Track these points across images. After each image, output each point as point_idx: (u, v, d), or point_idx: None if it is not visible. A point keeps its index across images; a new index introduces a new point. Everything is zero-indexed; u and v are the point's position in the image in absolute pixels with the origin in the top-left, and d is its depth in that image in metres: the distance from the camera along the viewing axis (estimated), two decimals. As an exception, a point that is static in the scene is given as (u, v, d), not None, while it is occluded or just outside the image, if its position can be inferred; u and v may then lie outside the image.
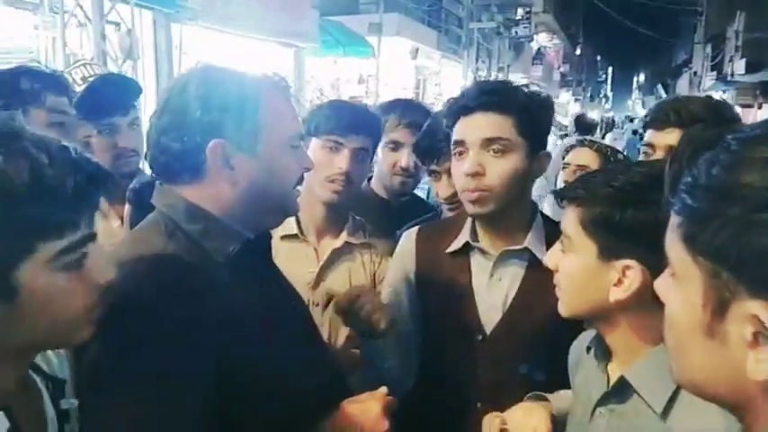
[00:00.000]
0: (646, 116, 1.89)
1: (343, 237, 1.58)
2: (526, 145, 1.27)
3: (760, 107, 14.09)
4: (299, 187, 1.10)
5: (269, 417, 0.90)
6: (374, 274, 1.59)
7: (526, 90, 1.32)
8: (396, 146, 1.88)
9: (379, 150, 1.90)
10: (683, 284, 0.52)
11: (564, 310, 1.03)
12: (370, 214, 1.72)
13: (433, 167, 1.69)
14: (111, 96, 1.74)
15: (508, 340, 1.31)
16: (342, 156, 1.50)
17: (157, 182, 1.03)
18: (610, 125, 17.54)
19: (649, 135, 1.71)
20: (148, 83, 5.22)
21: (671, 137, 1.60)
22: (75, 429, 0.84)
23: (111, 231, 1.77)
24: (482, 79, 1.71)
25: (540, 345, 1.29)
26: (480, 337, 1.32)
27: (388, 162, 1.90)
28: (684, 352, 0.54)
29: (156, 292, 0.85)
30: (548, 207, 2.51)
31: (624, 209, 0.89)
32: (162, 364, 0.81)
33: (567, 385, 1.25)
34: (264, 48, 9.02)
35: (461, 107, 1.30)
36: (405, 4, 14.22)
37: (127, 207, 1.60)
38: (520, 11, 20.15)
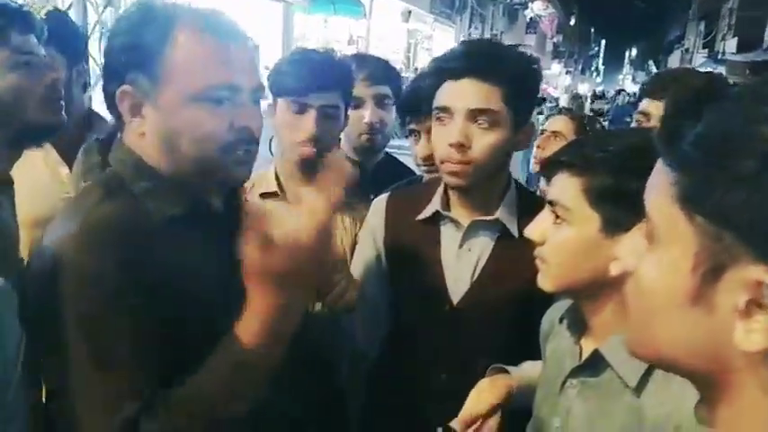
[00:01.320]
0: (643, 85, 1.85)
1: None
2: (513, 117, 1.21)
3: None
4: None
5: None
6: (355, 236, 1.54)
7: (518, 55, 1.25)
8: (357, 102, 1.77)
9: None
10: (666, 248, 0.48)
11: (548, 283, 0.99)
12: None
13: (413, 126, 1.63)
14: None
15: (475, 311, 1.28)
16: (307, 118, 1.42)
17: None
18: (599, 98, 17.54)
19: (645, 104, 1.67)
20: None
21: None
22: None
23: (58, 178, 1.71)
24: (472, 39, 1.59)
25: (507, 316, 1.27)
26: (447, 308, 1.30)
27: (351, 120, 1.82)
28: (658, 321, 0.50)
29: (71, 258, 0.81)
30: None
31: (635, 178, 0.84)
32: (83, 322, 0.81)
33: (534, 357, 1.26)
34: (251, 2, 8.78)
35: (449, 70, 1.21)
36: (399, -37, 13.89)
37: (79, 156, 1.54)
38: (516, -23, 19.83)
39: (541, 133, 2.19)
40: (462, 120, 1.19)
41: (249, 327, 0.81)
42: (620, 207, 0.86)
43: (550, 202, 0.97)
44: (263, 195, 1.51)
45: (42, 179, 1.65)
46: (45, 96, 1.24)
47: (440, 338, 1.31)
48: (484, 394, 1.13)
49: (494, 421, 1.12)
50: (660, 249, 0.49)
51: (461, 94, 1.20)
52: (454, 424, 1.12)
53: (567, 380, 0.99)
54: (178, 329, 0.85)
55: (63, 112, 1.29)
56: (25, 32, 1.27)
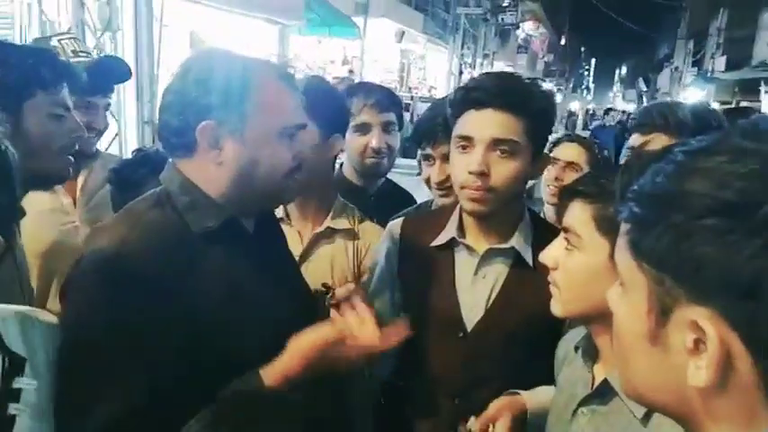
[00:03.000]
0: (633, 118, 1.89)
1: (327, 222, 1.54)
2: (532, 148, 1.25)
3: (737, 105, 14.29)
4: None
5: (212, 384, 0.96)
6: (358, 264, 1.55)
7: (538, 88, 1.27)
8: (364, 128, 1.83)
9: (347, 136, 1.86)
10: (629, 292, 0.53)
11: (560, 309, 1.01)
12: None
13: (428, 152, 1.66)
14: (105, 76, 1.76)
15: (489, 338, 1.30)
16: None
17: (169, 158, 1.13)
18: (590, 117, 17.66)
19: (634, 138, 1.71)
20: (128, 56, 5.07)
21: (654, 141, 1.60)
22: (27, 412, 0.82)
23: (61, 208, 1.74)
24: (496, 71, 1.60)
25: (520, 344, 1.28)
26: (461, 334, 1.31)
27: (358, 145, 1.84)
28: (630, 360, 0.54)
29: (115, 253, 0.93)
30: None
31: None
32: (118, 318, 0.91)
33: (545, 384, 1.26)
34: (248, 24, 8.85)
35: (474, 100, 1.24)
36: (392, -15, 14.06)
37: (108, 187, 1.60)
38: (507, -2, 20.08)
39: (554, 162, 2.24)
40: (484, 148, 1.22)
41: (274, 377, 0.97)
42: None
43: (564, 229, 1.00)
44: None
45: (45, 210, 1.67)
46: (63, 148, 1.29)
47: (453, 364, 1.31)
48: (503, 405, 1.16)
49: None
50: (627, 293, 0.54)
51: (485, 124, 1.23)
52: (471, 424, 1.15)
53: (578, 407, 1.00)
54: (201, 335, 0.95)
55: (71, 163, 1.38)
56: (69, 88, 1.32)
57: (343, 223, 1.56)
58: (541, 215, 2.33)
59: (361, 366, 1.07)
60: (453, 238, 1.33)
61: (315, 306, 1.25)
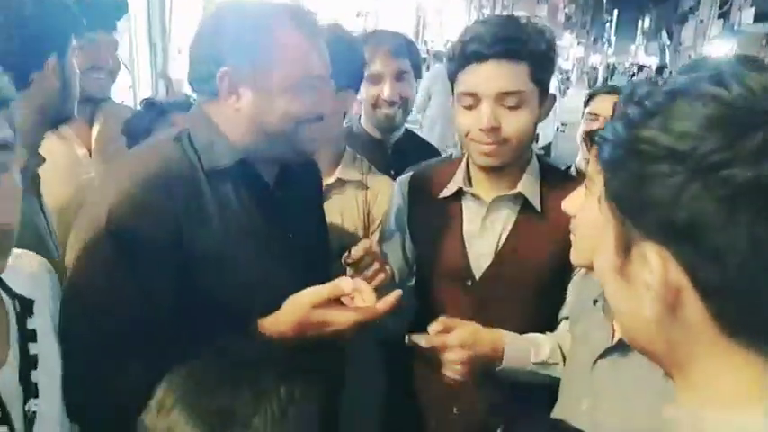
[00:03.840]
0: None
1: (337, 173, 1.53)
2: (538, 92, 1.21)
3: (765, 58, 13.81)
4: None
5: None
6: (367, 214, 1.55)
7: (538, 30, 1.22)
8: (377, 78, 1.77)
9: (362, 87, 1.81)
10: (606, 228, 0.56)
11: (577, 257, 0.99)
12: (363, 154, 1.66)
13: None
14: (99, 8, 1.66)
15: (497, 286, 1.29)
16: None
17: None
18: (612, 72, 17.25)
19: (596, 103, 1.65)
20: (139, 8, 4.99)
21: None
22: (41, 351, 0.83)
23: (76, 160, 1.72)
24: (488, 17, 1.52)
25: (528, 290, 1.28)
26: (469, 282, 1.31)
27: (371, 96, 1.78)
28: (609, 295, 0.58)
29: (124, 188, 0.96)
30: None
31: None
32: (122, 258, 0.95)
33: (554, 329, 1.28)
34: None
35: (474, 53, 1.19)
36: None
37: (123, 138, 1.59)
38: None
39: (594, 117, 2.15)
40: (491, 103, 1.19)
41: (268, 330, 1.02)
42: None
43: (585, 176, 0.97)
44: None
45: (62, 163, 1.66)
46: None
47: (462, 312, 1.31)
48: (468, 335, 1.17)
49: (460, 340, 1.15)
50: (604, 229, 0.57)
51: (488, 78, 1.19)
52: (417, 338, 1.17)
53: (597, 360, 0.99)
54: (200, 289, 0.99)
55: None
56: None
57: (352, 174, 1.55)
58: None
59: (351, 335, 1.06)
60: (461, 189, 1.31)
61: (324, 266, 1.24)
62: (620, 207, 0.53)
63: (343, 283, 1.05)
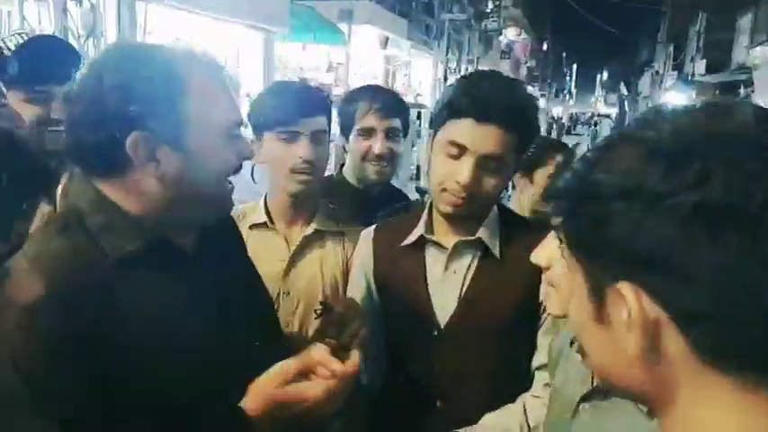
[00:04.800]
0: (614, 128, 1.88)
1: (314, 224, 1.51)
2: (516, 160, 1.26)
3: (718, 107, 14.48)
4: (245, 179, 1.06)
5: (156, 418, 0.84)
6: (346, 263, 1.53)
7: (532, 100, 1.26)
8: (368, 132, 1.80)
9: (351, 139, 1.84)
10: (572, 278, 0.57)
11: (559, 308, 0.99)
12: (344, 205, 1.65)
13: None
14: (48, 61, 1.58)
15: (463, 334, 1.28)
16: (300, 144, 1.42)
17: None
18: (575, 121, 17.84)
19: None
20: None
21: None
22: None
23: (41, 216, 1.67)
24: (494, 73, 1.54)
25: (495, 338, 1.27)
26: (435, 332, 1.29)
27: (361, 150, 1.81)
28: (587, 343, 0.57)
29: (24, 297, 0.79)
30: None
31: None
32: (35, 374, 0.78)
33: (524, 378, 1.26)
34: (232, 31, 8.83)
35: (478, 111, 1.19)
36: (376, -9, 14.10)
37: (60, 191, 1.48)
38: (490, 4, 20.25)
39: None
40: (474, 161, 1.20)
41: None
42: None
43: (555, 228, 0.99)
44: (253, 227, 1.50)
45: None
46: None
47: (430, 364, 1.30)
48: None
49: None
50: (571, 279, 0.58)
51: (483, 138, 1.19)
52: None
53: (579, 405, 0.99)
54: (132, 379, 0.82)
55: None
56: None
57: (330, 224, 1.54)
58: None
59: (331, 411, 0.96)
60: (422, 236, 1.32)
61: (273, 328, 1.18)
62: (584, 253, 0.54)
63: (314, 352, 0.95)
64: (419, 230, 1.33)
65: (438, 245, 1.32)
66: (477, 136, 1.20)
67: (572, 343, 1.06)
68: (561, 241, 0.59)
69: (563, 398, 1.05)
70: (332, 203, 1.60)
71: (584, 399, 0.98)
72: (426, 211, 1.34)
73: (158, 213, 0.91)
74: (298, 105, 1.42)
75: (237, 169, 0.98)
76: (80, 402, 0.80)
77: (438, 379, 1.30)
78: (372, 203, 1.83)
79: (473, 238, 1.29)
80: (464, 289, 1.29)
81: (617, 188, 0.49)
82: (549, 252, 1.01)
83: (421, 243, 1.33)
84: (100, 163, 0.89)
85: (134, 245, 0.88)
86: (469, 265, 1.30)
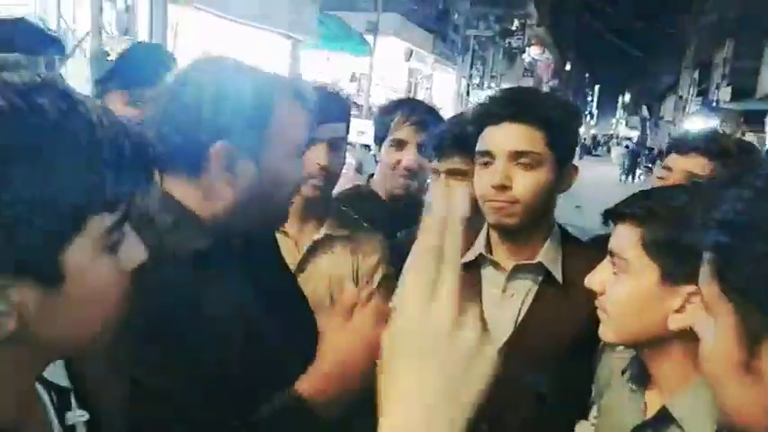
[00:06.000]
0: (670, 140, 1.86)
1: (324, 229, 1.49)
2: (555, 158, 1.23)
3: (743, 134, 14.37)
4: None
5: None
6: (356, 271, 1.51)
7: (555, 99, 1.27)
8: (400, 144, 1.80)
9: (383, 149, 1.83)
10: (716, 320, 0.52)
11: (611, 335, 0.98)
12: (367, 215, 1.64)
13: (435, 166, 1.62)
14: (148, 66, 1.66)
15: (517, 358, 1.24)
16: (317, 150, 1.41)
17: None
18: (597, 143, 17.74)
19: (670, 159, 1.68)
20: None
21: (692, 163, 1.57)
22: None
23: None
24: (512, 87, 1.62)
25: (549, 364, 1.24)
26: None
27: (392, 160, 1.81)
28: (723, 389, 0.54)
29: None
30: None
31: (694, 231, 0.84)
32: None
33: (577, 405, 1.22)
34: (262, 37, 8.90)
35: (490, 115, 1.24)
36: (404, 3, 14.17)
37: None
38: (516, 22, 20.28)
39: None
40: (504, 161, 1.21)
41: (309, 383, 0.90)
42: (678, 259, 0.86)
43: (611, 253, 0.97)
44: None
45: None
46: None
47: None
48: None
49: None
50: (714, 320, 0.53)
51: (502, 137, 1.22)
52: None
53: (631, 433, 0.96)
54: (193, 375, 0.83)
55: None
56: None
57: (340, 230, 1.51)
58: None
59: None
60: (480, 254, 1.30)
61: (314, 322, 1.18)
62: (746, 296, 0.48)
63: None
64: (478, 248, 1.31)
65: (496, 265, 1.30)
66: (496, 136, 1.23)
67: (624, 371, 1.04)
68: (708, 274, 0.53)
69: (611, 427, 1.02)
70: (355, 213, 1.58)
71: (638, 429, 0.95)
72: (485, 229, 1.32)
73: (222, 218, 0.94)
74: (317, 111, 1.44)
75: (301, 184, 1.04)
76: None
77: (486, 403, 1.27)
78: (397, 216, 1.81)
79: (533, 262, 1.27)
80: (521, 314, 1.27)
81: None
82: (603, 277, 0.99)
83: (478, 262, 1.31)
84: (180, 163, 0.93)
85: (200, 243, 0.91)
86: (529, 290, 1.28)
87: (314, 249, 1.48)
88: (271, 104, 0.95)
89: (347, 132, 1.53)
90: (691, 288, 0.85)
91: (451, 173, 1.53)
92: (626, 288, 0.93)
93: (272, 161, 0.96)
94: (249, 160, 0.94)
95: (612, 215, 0.97)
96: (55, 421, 0.69)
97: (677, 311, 0.87)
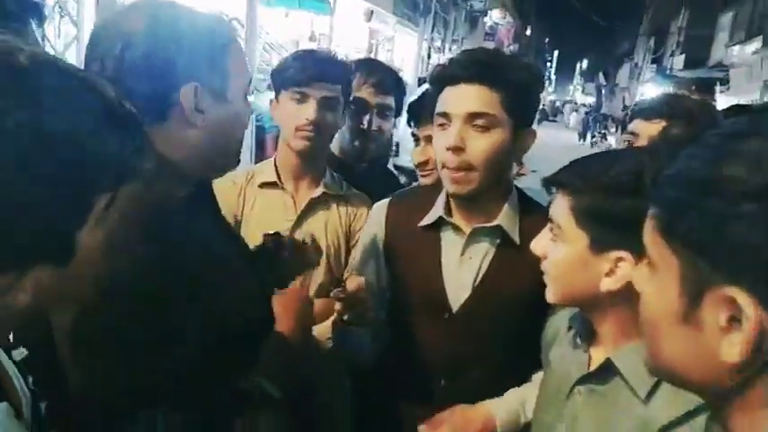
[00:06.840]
0: (634, 106, 1.88)
1: (321, 187, 1.57)
2: (511, 122, 1.21)
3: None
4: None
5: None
6: (349, 227, 1.58)
7: (516, 62, 1.25)
8: (359, 106, 1.78)
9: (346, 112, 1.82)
10: (659, 274, 0.54)
11: (552, 297, 1.01)
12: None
13: (414, 131, 1.63)
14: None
15: (475, 319, 1.28)
16: (308, 106, 1.49)
17: None
18: (553, 110, 17.94)
19: (635, 124, 1.71)
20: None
21: (657, 127, 1.59)
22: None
23: None
24: (471, 48, 1.59)
25: (506, 323, 1.27)
26: (446, 315, 1.29)
27: (349, 123, 1.80)
28: (660, 339, 0.56)
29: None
30: None
31: (618, 199, 0.87)
32: None
33: (530, 365, 1.26)
34: (215, -8, 8.58)
35: (448, 76, 1.22)
36: (364, -38, 13.82)
37: None
38: (477, -17, 20.09)
39: None
40: (460, 123, 1.19)
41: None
42: (605, 227, 0.90)
43: (550, 219, 0.99)
44: (263, 185, 1.56)
45: None
46: None
47: (438, 345, 1.30)
48: (459, 419, 1.19)
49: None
50: (656, 275, 0.55)
51: (458, 99, 1.21)
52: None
53: (574, 387, 0.99)
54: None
55: None
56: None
57: (334, 189, 1.60)
58: None
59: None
60: (440, 218, 1.30)
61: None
62: (693, 249, 0.49)
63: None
64: (437, 212, 1.31)
65: (456, 228, 1.30)
66: (453, 97, 1.22)
67: (569, 327, 1.07)
68: (653, 229, 0.54)
69: (557, 379, 1.06)
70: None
71: (581, 382, 0.99)
72: (445, 192, 1.32)
73: (193, 162, 0.96)
74: (312, 69, 1.50)
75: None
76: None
77: (444, 359, 1.30)
78: (355, 180, 1.80)
79: (491, 224, 1.28)
80: (480, 276, 1.28)
81: (750, 187, 0.45)
82: (544, 242, 1.02)
83: (438, 225, 1.32)
84: (147, 110, 0.90)
85: (182, 189, 0.95)
86: (487, 252, 1.29)
87: (311, 206, 1.56)
88: (227, 42, 0.98)
89: (346, 97, 1.58)
90: (619, 253, 0.88)
91: (429, 139, 1.52)
92: (561, 253, 0.96)
93: (233, 99, 0.98)
94: (215, 100, 0.96)
95: (549, 182, 0.99)
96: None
97: (607, 275, 0.90)
